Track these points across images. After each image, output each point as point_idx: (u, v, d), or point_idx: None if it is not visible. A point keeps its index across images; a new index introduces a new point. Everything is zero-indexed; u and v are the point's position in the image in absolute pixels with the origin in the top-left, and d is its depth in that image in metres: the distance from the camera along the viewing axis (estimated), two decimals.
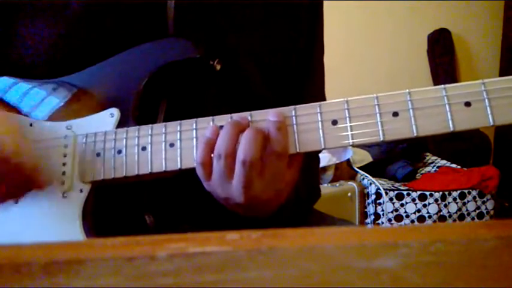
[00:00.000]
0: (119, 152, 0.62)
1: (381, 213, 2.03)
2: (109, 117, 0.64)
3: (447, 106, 0.52)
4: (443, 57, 2.81)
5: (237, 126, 0.56)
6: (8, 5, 0.69)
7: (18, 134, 0.59)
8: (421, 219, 2.02)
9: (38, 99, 0.67)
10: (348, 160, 2.16)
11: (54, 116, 0.66)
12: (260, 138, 0.55)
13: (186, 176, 0.60)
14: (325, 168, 2.04)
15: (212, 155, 0.56)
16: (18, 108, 0.68)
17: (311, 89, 0.79)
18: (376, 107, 0.54)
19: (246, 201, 0.56)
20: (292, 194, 0.61)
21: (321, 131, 0.56)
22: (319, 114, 0.56)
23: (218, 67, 0.67)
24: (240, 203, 0.57)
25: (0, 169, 0.56)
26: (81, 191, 0.62)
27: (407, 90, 0.54)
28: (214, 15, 0.69)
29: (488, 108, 0.51)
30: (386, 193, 2.02)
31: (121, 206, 0.68)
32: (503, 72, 2.80)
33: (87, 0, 0.67)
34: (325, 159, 2.01)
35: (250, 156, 0.54)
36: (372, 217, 2.04)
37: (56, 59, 0.68)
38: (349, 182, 2.04)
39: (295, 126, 0.56)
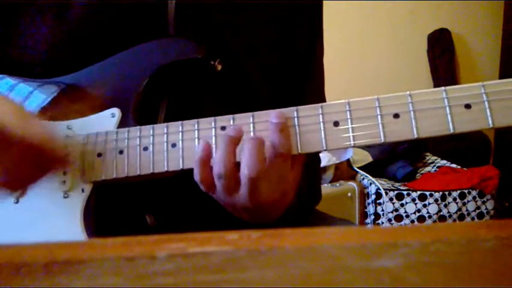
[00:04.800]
0: (121, 152, 0.62)
1: (381, 213, 2.03)
2: (110, 117, 0.64)
3: (447, 108, 0.53)
4: (443, 57, 2.81)
5: (231, 141, 0.55)
6: (9, 5, 0.69)
7: (23, 112, 0.56)
8: (421, 219, 2.02)
9: (26, 93, 0.67)
10: (348, 160, 2.16)
11: (43, 113, 0.66)
12: (261, 148, 0.55)
13: (187, 176, 0.59)
14: (325, 168, 2.04)
15: (211, 172, 0.56)
16: None
17: (311, 89, 0.79)
18: (377, 108, 0.54)
19: (253, 205, 0.56)
20: (295, 195, 0.61)
21: (322, 132, 0.56)
22: (320, 116, 0.56)
23: (219, 67, 0.66)
24: (247, 207, 0.57)
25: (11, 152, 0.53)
26: (82, 191, 0.62)
27: (408, 92, 0.54)
28: (215, 15, 0.69)
29: (487, 111, 0.52)
30: (386, 193, 2.02)
31: (122, 206, 0.68)
32: (503, 72, 2.81)
33: (88, 0, 0.67)
34: (325, 159, 2.01)
35: (255, 171, 0.54)
36: (372, 217, 2.04)
37: (56, 59, 0.68)
38: (349, 182, 2.04)
39: (297, 127, 0.57)
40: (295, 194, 0.60)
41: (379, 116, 0.54)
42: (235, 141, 0.55)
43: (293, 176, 0.58)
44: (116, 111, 0.64)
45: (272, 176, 0.55)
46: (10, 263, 0.23)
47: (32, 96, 0.66)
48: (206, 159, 0.56)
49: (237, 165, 0.55)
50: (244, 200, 0.56)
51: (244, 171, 0.54)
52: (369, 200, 2.06)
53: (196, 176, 0.57)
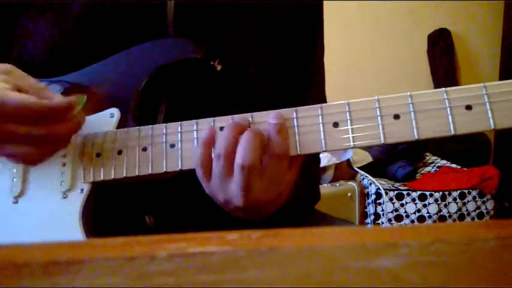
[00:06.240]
0: (119, 152, 0.62)
1: (381, 213, 2.03)
2: (109, 117, 0.64)
3: (448, 109, 0.52)
4: (443, 57, 2.81)
5: (237, 127, 0.56)
6: (8, 5, 0.69)
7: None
8: (421, 219, 2.02)
9: None
10: (348, 160, 2.15)
11: None
12: (258, 142, 0.55)
13: (186, 176, 0.59)
14: (325, 168, 2.04)
15: (212, 156, 0.56)
16: None
17: (312, 88, 0.79)
18: (377, 109, 0.54)
19: (246, 204, 0.56)
20: (292, 194, 0.61)
21: (322, 133, 0.56)
22: (320, 117, 0.56)
23: (218, 67, 0.66)
24: (240, 205, 0.57)
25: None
26: (81, 191, 0.62)
27: (408, 93, 0.54)
28: (214, 15, 0.69)
29: (489, 112, 0.51)
30: (386, 193, 2.02)
31: (121, 207, 0.68)
32: (503, 73, 2.80)
33: (87, 1, 0.67)
34: (325, 159, 2.01)
35: (248, 161, 0.54)
36: (372, 217, 2.04)
37: (55, 59, 0.68)
38: (349, 182, 2.04)
39: (296, 128, 0.56)
40: (292, 192, 0.60)
41: (379, 117, 0.54)
42: (240, 128, 0.56)
43: (290, 177, 0.58)
44: (115, 112, 0.64)
45: (267, 176, 0.55)
46: (10, 263, 0.23)
47: None
48: (210, 143, 0.56)
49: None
50: (237, 197, 0.56)
51: (238, 161, 0.54)
52: (369, 200, 2.06)
53: (198, 159, 0.57)
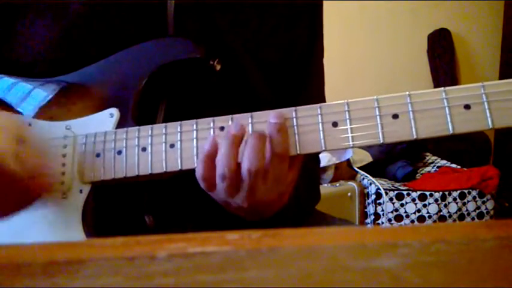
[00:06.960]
0: (119, 152, 0.62)
1: (381, 213, 2.03)
2: (108, 117, 0.64)
3: (447, 109, 0.52)
4: (443, 57, 2.81)
5: (235, 139, 0.55)
6: (8, 5, 0.69)
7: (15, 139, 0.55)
8: (421, 219, 2.02)
9: (26, 91, 0.67)
10: (348, 160, 2.16)
11: (43, 111, 0.66)
12: (262, 144, 0.55)
13: (186, 176, 0.59)
14: (325, 168, 2.04)
15: (214, 165, 0.56)
16: (5, 101, 0.67)
17: (311, 89, 0.79)
18: (376, 109, 0.54)
19: (249, 205, 0.56)
20: (292, 195, 0.61)
21: (321, 132, 0.56)
22: (319, 116, 0.56)
23: (218, 67, 0.66)
24: (243, 207, 0.57)
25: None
26: (80, 191, 0.62)
27: (407, 93, 0.54)
28: (214, 14, 0.69)
29: (487, 111, 0.51)
30: (386, 193, 2.02)
31: (121, 207, 0.68)
32: (503, 73, 2.81)
33: (87, 0, 0.67)
34: (325, 159, 2.01)
35: (256, 165, 0.53)
36: (372, 217, 2.04)
37: (55, 59, 0.68)
38: (349, 182, 2.04)
39: (295, 127, 0.56)
40: (292, 193, 0.60)
41: (378, 117, 0.54)
42: (238, 140, 0.55)
43: (290, 177, 0.58)
44: (114, 112, 0.64)
45: (270, 177, 0.55)
46: (10, 263, 0.23)
47: (33, 93, 0.66)
48: (212, 155, 0.55)
49: (240, 165, 0.55)
50: (242, 200, 0.56)
51: (245, 165, 0.54)
52: (369, 200, 2.06)
53: (199, 173, 0.56)
